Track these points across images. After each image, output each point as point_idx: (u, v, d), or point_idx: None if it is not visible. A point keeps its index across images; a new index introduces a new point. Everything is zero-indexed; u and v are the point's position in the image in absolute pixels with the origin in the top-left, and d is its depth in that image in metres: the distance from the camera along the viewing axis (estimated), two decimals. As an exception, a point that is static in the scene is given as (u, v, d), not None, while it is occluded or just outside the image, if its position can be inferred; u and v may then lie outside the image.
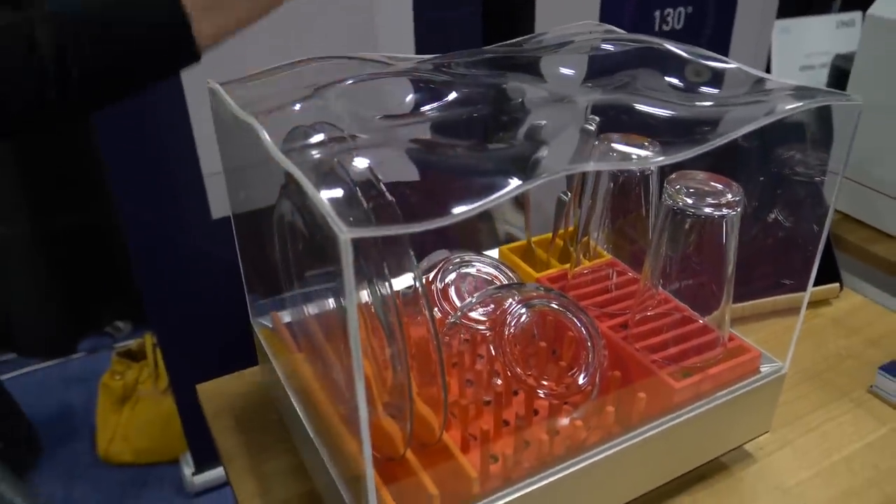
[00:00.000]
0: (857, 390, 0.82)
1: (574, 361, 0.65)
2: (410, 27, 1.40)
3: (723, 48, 1.78)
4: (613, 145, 0.57)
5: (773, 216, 0.89)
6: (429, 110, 0.55)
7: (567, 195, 0.82)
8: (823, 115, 0.70)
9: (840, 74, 1.41)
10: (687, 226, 0.62)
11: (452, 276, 0.76)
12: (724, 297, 0.67)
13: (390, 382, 0.55)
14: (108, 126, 1.26)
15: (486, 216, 0.98)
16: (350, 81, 0.56)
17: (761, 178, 0.88)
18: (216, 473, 1.71)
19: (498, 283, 0.75)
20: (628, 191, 0.73)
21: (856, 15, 1.69)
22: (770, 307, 0.92)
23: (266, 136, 0.44)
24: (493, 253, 0.87)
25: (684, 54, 0.63)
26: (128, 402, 1.76)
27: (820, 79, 1.73)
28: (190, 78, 1.24)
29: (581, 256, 0.77)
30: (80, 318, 2.21)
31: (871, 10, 1.15)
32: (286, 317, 0.71)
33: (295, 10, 0.74)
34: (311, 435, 0.61)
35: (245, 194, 0.70)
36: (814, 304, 0.97)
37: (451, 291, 0.72)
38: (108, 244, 2.09)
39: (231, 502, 1.73)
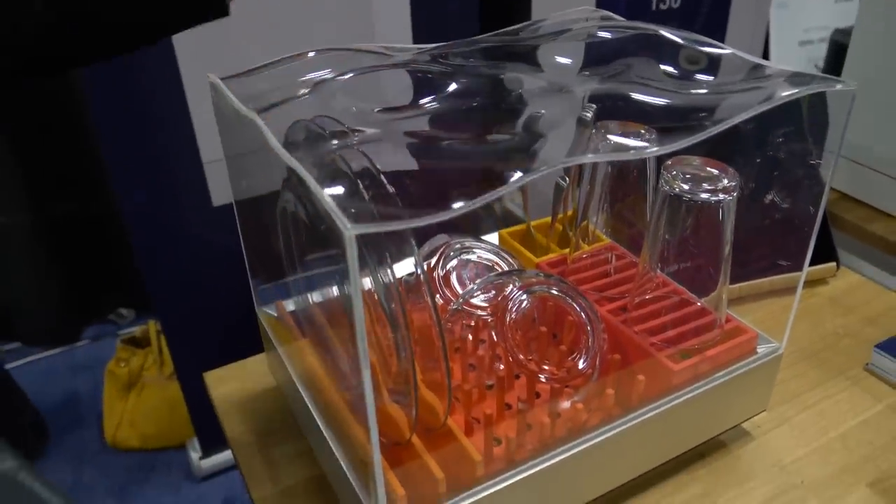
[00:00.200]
0: (854, 368, 0.83)
1: (574, 345, 0.67)
2: (407, 12, 1.40)
3: (721, 25, 1.78)
4: (610, 137, 0.58)
5: (769, 197, 0.90)
6: (428, 103, 0.56)
7: (565, 180, 0.83)
8: (819, 98, 0.71)
9: (839, 49, 1.41)
10: (684, 211, 0.62)
11: (453, 262, 0.77)
12: (721, 280, 0.68)
13: (395, 369, 0.56)
14: (106, 115, 1.27)
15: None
16: (349, 75, 0.57)
17: (758, 160, 0.89)
18: (223, 457, 1.73)
19: (498, 270, 0.76)
20: (626, 175, 0.73)
21: (854, -11, 1.69)
22: (768, 287, 0.93)
23: (269, 134, 0.45)
24: (493, 236, 0.88)
25: (680, 41, 0.64)
26: (133, 389, 1.78)
27: (819, 53, 1.73)
28: (187, 66, 1.25)
29: (580, 241, 0.78)
30: (84, 306, 2.23)
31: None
32: (290, 305, 0.72)
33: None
34: (318, 421, 0.62)
35: (247, 184, 0.71)
36: (811, 283, 0.98)
37: (453, 278, 0.73)
38: (109, 231, 2.09)
39: (239, 485, 1.75)
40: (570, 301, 0.66)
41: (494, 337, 0.65)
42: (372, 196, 0.48)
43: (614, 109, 0.60)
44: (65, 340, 2.20)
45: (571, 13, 0.74)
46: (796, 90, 0.53)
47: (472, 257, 0.77)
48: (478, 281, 0.72)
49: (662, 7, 1.64)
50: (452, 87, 0.56)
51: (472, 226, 0.84)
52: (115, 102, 1.25)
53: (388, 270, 0.52)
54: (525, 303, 0.66)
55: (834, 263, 0.98)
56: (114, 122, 1.28)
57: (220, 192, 1.41)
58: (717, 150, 0.64)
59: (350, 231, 0.36)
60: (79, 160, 1.97)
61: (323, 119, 0.53)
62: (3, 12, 0.52)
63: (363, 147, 0.50)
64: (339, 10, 1.35)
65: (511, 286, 0.67)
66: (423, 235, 0.80)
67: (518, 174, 0.42)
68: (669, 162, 0.64)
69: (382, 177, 0.49)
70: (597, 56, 0.64)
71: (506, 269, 0.76)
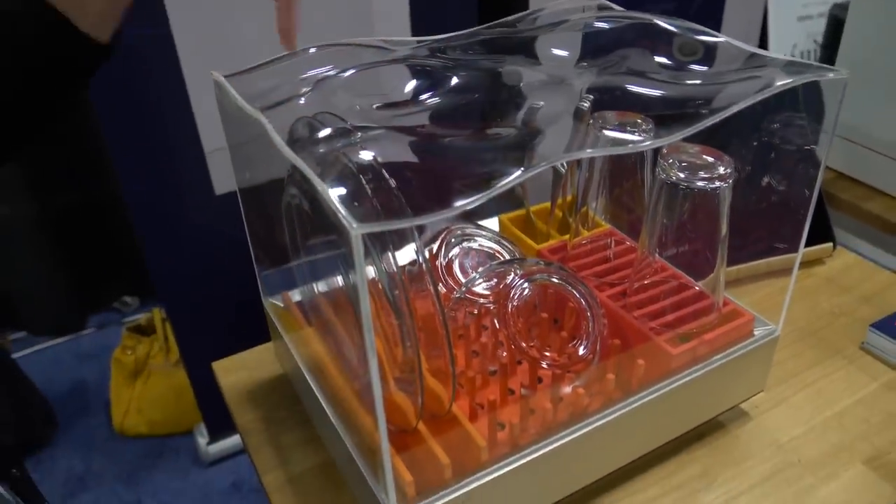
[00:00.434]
0: (850, 347, 0.85)
1: (575, 331, 0.68)
2: (406, 2, 1.40)
3: (719, 1, 1.78)
4: (607, 131, 0.59)
5: (766, 180, 0.91)
6: (428, 98, 0.57)
7: (564, 167, 0.84)
8: (814, 84, 0.72)
9: (837, 24, 1.41)
10: (681, 198, 0.64)
11: (455, 250, 0.78)
12: (717, 264, 0.69)
13: (401, 358, 0.57)
14: (107, 105, 1.27)
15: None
16: (350, 71, 0.58)
17: (754, 144, 0.90)
18: (230, 442, 1.75)
19: (500, 258, 0.77)
20: (624, 161, 0.74)
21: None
22: (765, 269, 0.94)
23: (275, 134, 0.46)
24: (493, 221, 0.89)
25: (675, 30, 0.65)
26: (140, 376, 1.80)
27: (818, 29, 1.72)
28: (187, 56, 1.25)
29: (580, 227, 0.80)
30: (88, 295, 2.25)
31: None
32: (296, 296, 0.73)
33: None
34: (326, 409, 0.63)
35: (251, 176, 0.72)
36: (808, 263, 1.00)
37: (455, 267, 0.75)
38: (112, 220, 2.11)
39: (246, 469, 1.78)
40: (570, 288, 0.67)
41: (497, 325, 0.67)
42: (374, 191, 0.49)
43: (612, 100, 0.61)
44: (71, 329, 2.22)
45: (569, 2, 0.75)
46: (789, 80, 0.54)
47: (474, 245, 0.79)
48: (480, 269, 0.73)
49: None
50: (452, 81, 0.57)
51: (471, 209, 0.85)
52: (117, 93, 1.26)
53: (392, 260, 0.53)
54: (526, 290, 0.67)
55: (830, 244, 1.00)
56: (115, 112, 1.28)
57: (223, 181, 1.42)
58: (714, 135, 0.65)
59: (356, 230, 0.38)
60: (81, 149, 1.97)
61: (325, 116, 0.54)
62: None
63: (366, 144, 0.52)
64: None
65: (512, 274, 0.68)
66: (424, 221, 0.81)
67: (518, 170, 0.44)
68: (666, 150, 0.65)
69: (385, 173, 0.50)
70: (594, 47, 0.65)
71: (507, 257, 0.77)
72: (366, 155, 0.50)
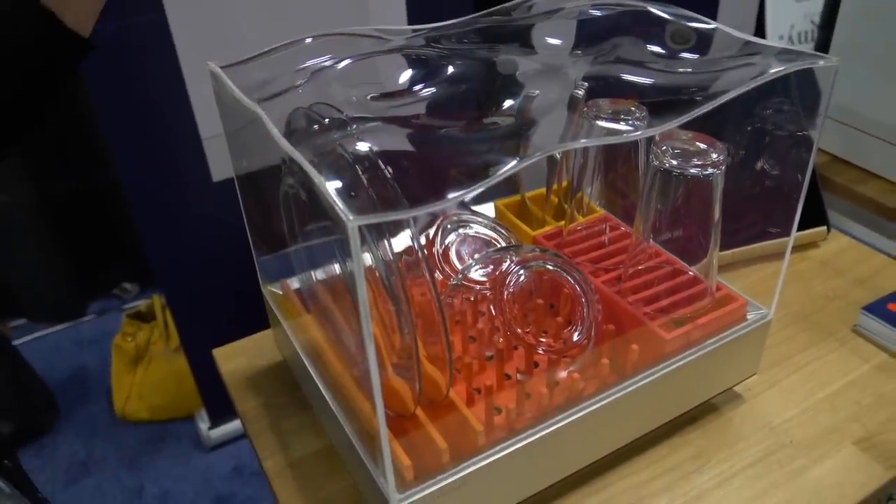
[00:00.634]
0: (843, 330, 0.86)
1: (571, 316, 0.69)
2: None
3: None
4: (601, 119, 0.60)
5: (760, 165, 0.92)
6: (424, 88, 0.57)
7: (559, 153, 0.85)
8: (808, 69, 0.72)
9: (834, 4, 1.41)
10: (674, 185, 0.64)
11: (451, 236, 0.79)
12: (710, 249, 0.70)
13: (398, 345, 0.58)
14: (104, 92, 1.27)
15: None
16: (347, 61, 0.58)
17: (748, 128, 0.91)
18: (231, 427, 1.77)
19: (495, 244, 0.78)
20: (618, 147, 0.75)
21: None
22: (760, 252, 0.95)
23: (272, 127, 0.46)
24: (488, 206, 0.89)
25: (669, 17, 0.65)
26: (141, 362, 1.81)
27: (815, 9, 1.72)
28: (183, 42, 1.25)
29: (575, 212, 0.80)
30: (88, 282, 2.25)
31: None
32: (295, 283, 0.74)
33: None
34: (325, 395, 0.64)
35: (248, 165, 0.72)
36: (802, 247, 1.01)
37: (452, 254, 0.76)
38: (111, 207, 2.11)
39: (247, 454, 1.79)
40: (564, 275, 0.68)
41: (493, 311, 0.68)
42: (370, 180, 0.50)
43: (606, 88, 0.61)
44: (71, 316, 2.23)
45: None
46: (782, 67, 0.55)
47: (470, 232, 0.79)
48: (476, 256, 0.74)
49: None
50: (448, 71, 0.58)
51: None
52: (114, 80, 1.26)
53: (388, 248, 0.54)
54: (522, 277, 0.68)
55: (824, 227, 1.00)
56: (113, 99, 1.29)
57: (220, 167, 1.43)
58: (708, 121, 0.65)
59: (353, 223, 0.38)
60: (80, 136, 1.97)
61: (321, 106, 0.55)
62: None
63: (361, 134, 0.52)
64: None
65: (508, 261, 0.69)
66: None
67: (513, 160, 0.44)
68: (659, 137, 0.66)
69: (381, 163, 0.50)
70: (588, 35, 0.65)
71: (503, 243, 0.78)
72: (362, 145, 0.51)
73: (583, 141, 0.59)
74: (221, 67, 0.59)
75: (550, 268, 0.69)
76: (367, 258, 0.54)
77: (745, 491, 0.67)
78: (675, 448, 0.71)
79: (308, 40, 0.63)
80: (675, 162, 0.63)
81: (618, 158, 0.76)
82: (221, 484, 1.70)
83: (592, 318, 0.67)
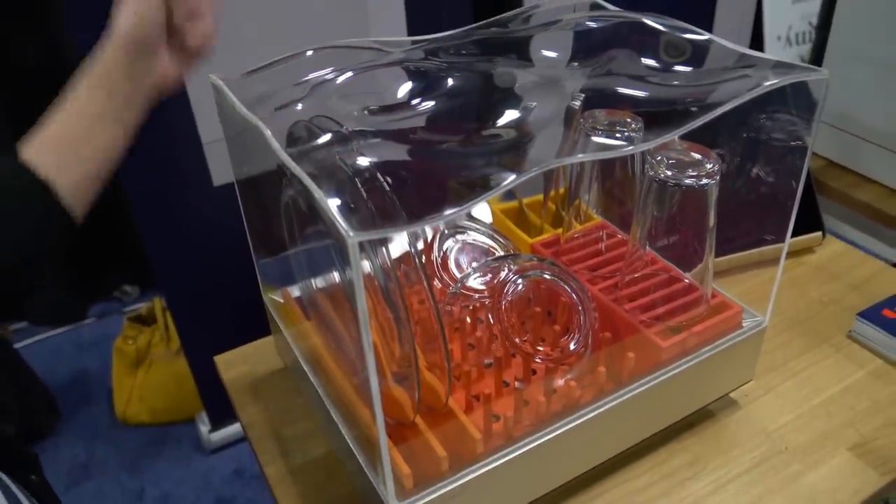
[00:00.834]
0: (838, 336, 0.87)
1: (568, 324, 0.70)
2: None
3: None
4: (597, 131, 0.61)
5: (755, 172, 0.92)
6: (423, 101, 0.58)
7: (557, 161, 0.85)
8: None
9: (831, 5, 1.42)
10: (669, 194, 0.65)
11: (449, 242, 0.79)
12: (706, 256, 0.71)
13: (398, 353, 0.59)
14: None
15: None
16: (347, 74, 0.59)
17: (744, 136, 0.91)
18: (232, 430, 1.77)
19: (493, 253, 0.79)
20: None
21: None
22: (756, 258, 0.96)
23: (274, 142, 0.47)
24: (484, 207, 0.90)
25: (664, 29, 0.66)
26: (142, 365, 1.81)
27: (812, 10, 1.73)
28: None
29: (572, 220, 0.81)
30: (89, 285, 2.26)
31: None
32: (296, 291, 0.75)
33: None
34: (326, 403, 0.65)
35: (249, 174, 0.73)
36: (798, 252, 1.01)
37: (451, 262, 0.76)
38: (112, 210, 2.11)
39: (248, 457, 1.79)
40: (562, 283, 0.69)
41: (491, 320, 0.69)
42: (369, 192, 0.50)
43: (602, 100, 0.62)
44: (71, 319, 2.24)
45: (561, 0, 0.76)
46: (775, 81, 0.56)
47: (468, 239, 0.80)
48: (474, 265, 0.75)
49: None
50: (447, 84, 0.59)
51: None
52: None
53: (387, 257, 0.54)
54: (520, 286, 0.69)
55: (820, 233, 1.01)
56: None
57: (221, 172, 1.43)
58: (704, 129, 0.66)
59: (353, 239, 0.39)
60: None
61: (322, 119, 0.56)
62: None
63: (361, 147, 0.53)
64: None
65: (506, 270, 0.70)
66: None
67: (511, 175, 0.45)
68: (654, 148, 0.66)
69: (380, 176, 0.51)
70: (585, 47, 0.66)
71: (500, 251, 0.79)
72: (362, 159, 0.52)
73: (579, 156, 0.60)
74: (223, 80, 0.60)
75: (548, 277, 0.70)
76: (366, 266, 0.54)
77: (740, 497, 0.68)
78: (672, 454, 0.72)
79: (309, 52, 0.64)
80: (670, 173, 0.64)
81: (614, 167, 0.77)
82: (222, 487, 1.71)
83: (589, 326, 0.68)
